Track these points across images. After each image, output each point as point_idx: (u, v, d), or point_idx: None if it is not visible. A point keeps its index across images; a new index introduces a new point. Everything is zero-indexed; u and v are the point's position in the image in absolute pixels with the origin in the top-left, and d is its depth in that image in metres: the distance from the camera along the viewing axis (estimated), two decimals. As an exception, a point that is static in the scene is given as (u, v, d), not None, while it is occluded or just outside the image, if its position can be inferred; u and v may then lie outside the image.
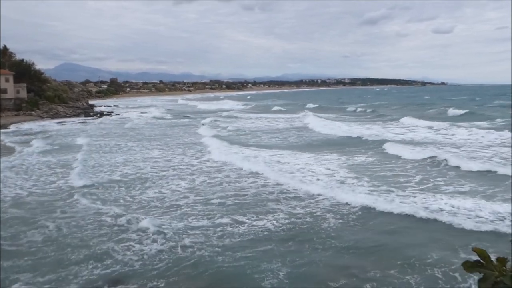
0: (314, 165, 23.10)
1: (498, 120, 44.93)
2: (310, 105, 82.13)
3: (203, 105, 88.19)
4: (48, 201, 17.10)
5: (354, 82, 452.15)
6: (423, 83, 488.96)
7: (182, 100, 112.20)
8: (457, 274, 10.14)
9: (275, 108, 76.89)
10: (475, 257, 1.50)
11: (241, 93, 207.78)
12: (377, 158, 25.12)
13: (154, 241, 12.59)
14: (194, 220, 14.57)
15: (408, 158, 24.42)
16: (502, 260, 1.46)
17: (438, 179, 19.66)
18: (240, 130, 41.91)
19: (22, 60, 71.93)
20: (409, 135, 36.02)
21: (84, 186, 19.11)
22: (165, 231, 13.32)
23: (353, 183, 19.04)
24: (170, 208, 15.94)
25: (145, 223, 13.88)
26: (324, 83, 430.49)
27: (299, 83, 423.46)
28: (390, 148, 27.36)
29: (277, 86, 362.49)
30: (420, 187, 18.23)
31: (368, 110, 65.82)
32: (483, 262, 1.48)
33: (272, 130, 41.98)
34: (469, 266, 1.49)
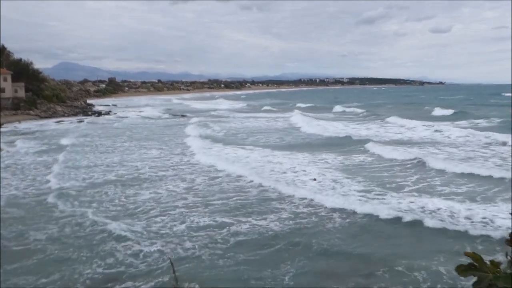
0: (285, 163, 23.64)
1: (490, 119, 45.19)
2: (301, 105, 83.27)
3: (197, 105, 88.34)
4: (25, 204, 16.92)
5: (352, 81, 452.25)
6: (421, 83, 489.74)
7: (176, 100, 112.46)
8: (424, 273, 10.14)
9: (266, 107, 76.93)
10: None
11: (238, 92, 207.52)
12: (358, 158, 25.31)
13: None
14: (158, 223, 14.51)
15: (387, 157, 24.53)
16: (495, 263, 1.47)
17: (410, 178, 19.90)
18: (226, 130, 42.19)
19: (20, 59, 71.75)
20: (393, 135, 36.30)
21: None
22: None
23: (322, 182, 19.11)
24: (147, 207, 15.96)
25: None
26: (323, 82, 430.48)
27: (298, 82, 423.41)
28: (372, 148, 27.42)
29: (275, 85, 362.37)
30: (390, 187, 18.28)
31: (358, 110, 65.44)
32: (477, 265, 1.49)
33: (259, 129, 42.19)
34: (462, 270, 1.50)
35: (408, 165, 22.27)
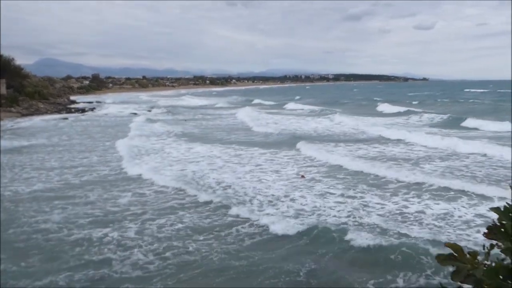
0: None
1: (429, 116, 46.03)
2: (258, 101, 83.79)
3: (162, 101, 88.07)
4: None
5: (337, 78, 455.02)
6: (406, 79, 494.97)
7: (146, 97, 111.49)
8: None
9: (221, 105, 76.19)
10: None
11: (219, 89, 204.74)
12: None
13: None
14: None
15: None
16: (473, 254, 1.51)
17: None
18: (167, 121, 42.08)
19: (1, 55, 70.34)
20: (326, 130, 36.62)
21: None
22: None
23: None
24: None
25: None
26: (308, 78, 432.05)
27: (283, 79, 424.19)
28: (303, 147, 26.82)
29: (261, 81, 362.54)
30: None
31: (307, 108, 64.89)
32: (456, 255, 1.53)
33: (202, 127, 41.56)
34: (442, 259, 1.54)
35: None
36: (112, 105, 74.99)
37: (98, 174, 19.66)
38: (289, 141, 29.09)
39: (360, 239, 11.11)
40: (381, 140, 29.42)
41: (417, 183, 17.14)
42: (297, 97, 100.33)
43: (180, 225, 12.79)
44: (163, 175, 19.07)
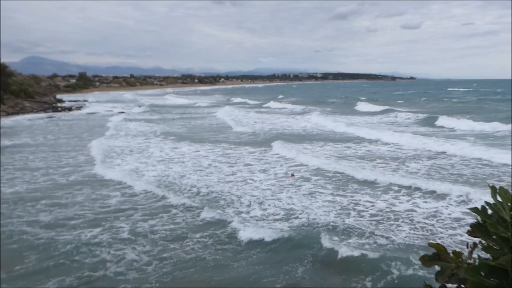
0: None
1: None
2: (240, 99, 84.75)
3: (146, 100, 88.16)
4: None
5: (326, 76, 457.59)
6: (393, 78, 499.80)
7: (131, 96, 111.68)
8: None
9: (200, 104, 75.71)
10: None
11: (206, 88, 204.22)
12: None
13: None
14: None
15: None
16: (457, 253, 1.52)
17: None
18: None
19: (-15, 53, 69.18)
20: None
21: None
22: None
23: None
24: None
25: None
26: (297, 77, 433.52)
27: (272, 77, 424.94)
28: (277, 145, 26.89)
29: (249, 80, 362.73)
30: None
31: (288, 106, 65.22)
32: (440, 255, 1.54)
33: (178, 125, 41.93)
34: (427, 260, 1.55)
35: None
36: (95, 104, 74.66)
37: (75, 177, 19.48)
38: (263, 140, 29.52)
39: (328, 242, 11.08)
40: (349, 139, 29.78)
41: (371, 182, 17.50)
42: (280, 96, 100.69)
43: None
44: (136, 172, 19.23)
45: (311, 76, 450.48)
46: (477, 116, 41.97)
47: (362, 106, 61.31)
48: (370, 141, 28.20)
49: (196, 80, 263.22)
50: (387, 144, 26.95)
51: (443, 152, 23.44)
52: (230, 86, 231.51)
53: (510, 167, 19.22)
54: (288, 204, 14.66)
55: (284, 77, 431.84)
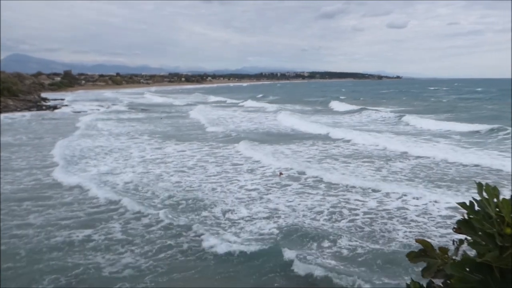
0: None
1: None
2: (218, 98, 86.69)
3: (126, 97, 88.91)
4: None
5: (313, 75, 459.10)
6: (380, 77, 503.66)
7: (110, 94, 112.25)
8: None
9: (177, 103, 75.81)
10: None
11: (190, 86, 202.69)
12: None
13: None
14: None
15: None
16: (443, 249, 1.54)
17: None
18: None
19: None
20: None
21: None
22: None
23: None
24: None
25: None
26: (284, 76, 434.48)
27: (259, 76, 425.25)
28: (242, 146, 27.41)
29: (237, 79, 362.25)
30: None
31: (263, 105, 65.64)
32: (427, 252, 1.55)
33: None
34: (413, 257, 1.56)
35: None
36: (74, 103, 74.13)
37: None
38: (227, 138, 30.15)
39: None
40: (311, 137, 30.36)
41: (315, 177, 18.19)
42: (260, 95, 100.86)
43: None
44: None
45: (298, 75, 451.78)
46: (450, 116, 43.56)
47: (336, 105, 62.46)
48: (324, 138, 29.27)
49: (183, 79, 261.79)
50: (343, 141, 27.79)
51: (393, 150, 24.09)
52: (215, 85, 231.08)
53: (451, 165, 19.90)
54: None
55: (272, 76, 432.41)
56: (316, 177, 18.07)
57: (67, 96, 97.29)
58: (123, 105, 68.35)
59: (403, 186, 16.30)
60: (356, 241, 11.13)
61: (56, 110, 59.94)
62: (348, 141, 27.70)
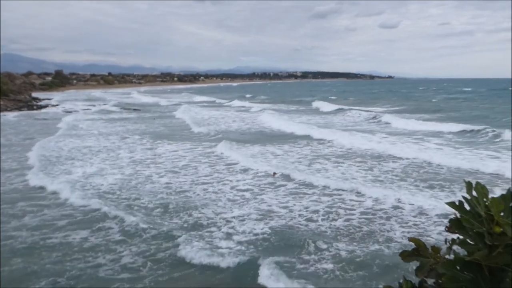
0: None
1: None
2: (204, 98, 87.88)
3: (113, 97, 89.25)
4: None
5: (305, 75, 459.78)
6: (372, 77, 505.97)
7: (99, 93, 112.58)
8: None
9: (164, 103, 75.27)
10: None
11: (181, 86, 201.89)
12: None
13: None
14: None
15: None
16: (436, 249, 1.58)
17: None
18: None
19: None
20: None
21: None
22: None
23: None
24: None
25: None
26: (276, 76, 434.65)
27: (252, 76, 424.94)
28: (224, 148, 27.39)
29: (229, 79, 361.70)
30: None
31: (248, 105, 66.25)
32: (420, 251, 1.59)
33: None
34: (406, 256, 1.60)
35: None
36: (62, 102, 73.79)
37: None
38: (210, 137, 30.59)
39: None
40: (289, 137, 30.68)
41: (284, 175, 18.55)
42: (248, 95, 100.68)
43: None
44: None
45: (291, 75, 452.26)
46: (432, 116, 43.97)
47: (319, 104, 63.13)
48: (302, 137, 29.68)
49: (175, 79, 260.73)
50: (318, 140, 28.29)
51: (368, 149, 24.29)
52: (206, 85, 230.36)
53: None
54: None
55: (264, 75, 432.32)
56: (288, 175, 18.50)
57: (58, 95, 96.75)
58: (111, 105, 67.91)
59: (380, 187, 16.29)
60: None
61: (44, 110, 59.57)
62: (330, 141, 27.76)
